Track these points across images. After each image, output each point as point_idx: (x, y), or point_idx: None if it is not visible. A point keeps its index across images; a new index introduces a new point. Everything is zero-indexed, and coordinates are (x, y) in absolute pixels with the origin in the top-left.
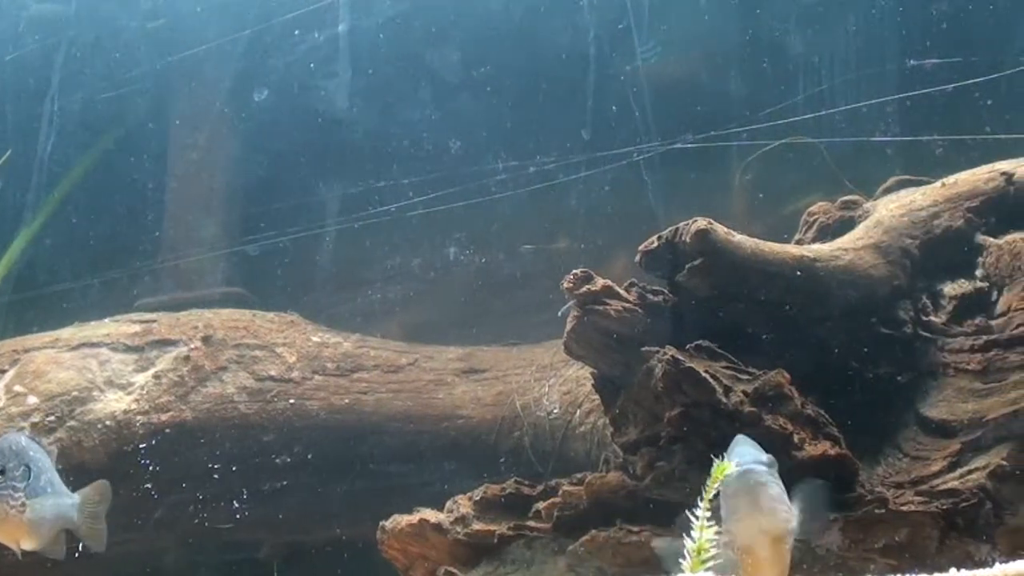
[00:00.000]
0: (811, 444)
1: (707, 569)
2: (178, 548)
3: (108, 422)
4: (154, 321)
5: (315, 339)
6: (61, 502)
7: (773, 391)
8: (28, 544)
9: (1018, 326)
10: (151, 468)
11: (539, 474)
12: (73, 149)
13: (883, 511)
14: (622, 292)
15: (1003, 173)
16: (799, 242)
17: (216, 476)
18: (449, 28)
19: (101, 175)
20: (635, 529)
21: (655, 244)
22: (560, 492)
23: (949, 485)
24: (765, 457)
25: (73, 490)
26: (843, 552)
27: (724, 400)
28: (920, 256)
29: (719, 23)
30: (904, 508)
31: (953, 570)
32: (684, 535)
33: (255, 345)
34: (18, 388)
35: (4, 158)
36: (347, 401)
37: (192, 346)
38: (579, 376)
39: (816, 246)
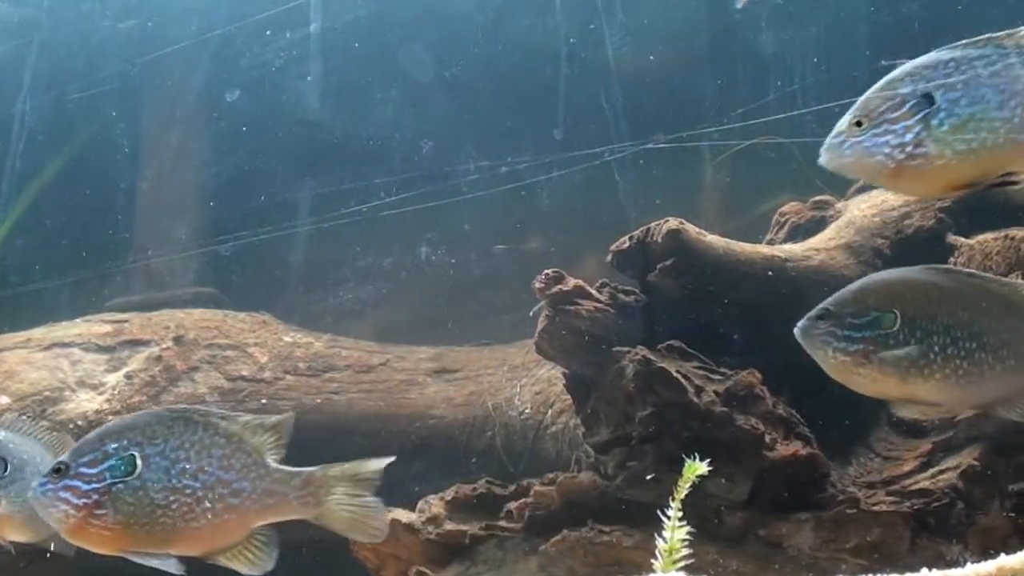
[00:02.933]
0: (782, 444)
1: (679, 569)
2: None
3: (80, 422)
4: (126, 321)
5: (287, 339)
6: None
7: (745, 391)
8: (16, 535)
9: None
10: None
11: (511, 474)
12: (44, 149)
13: (855, 511)
14: (594, 292)
15: None
16: (771, 242)
17: None
18: (420, 27)
19: (73, 175)
20: (606, 529)
21: (627, 244)
22: (532, 492)
23: (921, 485)
24: None
25: None
26: (814, 552)
27: (696, 400)
28: (892, 256)
29: (691, 22)
30: (876, 508)
31: (925, 570)
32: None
33: (227, 345)
34: None
35: None
36: (319, 401)
37: (164, 346)
38: (551, 376)
39: (788, 246)
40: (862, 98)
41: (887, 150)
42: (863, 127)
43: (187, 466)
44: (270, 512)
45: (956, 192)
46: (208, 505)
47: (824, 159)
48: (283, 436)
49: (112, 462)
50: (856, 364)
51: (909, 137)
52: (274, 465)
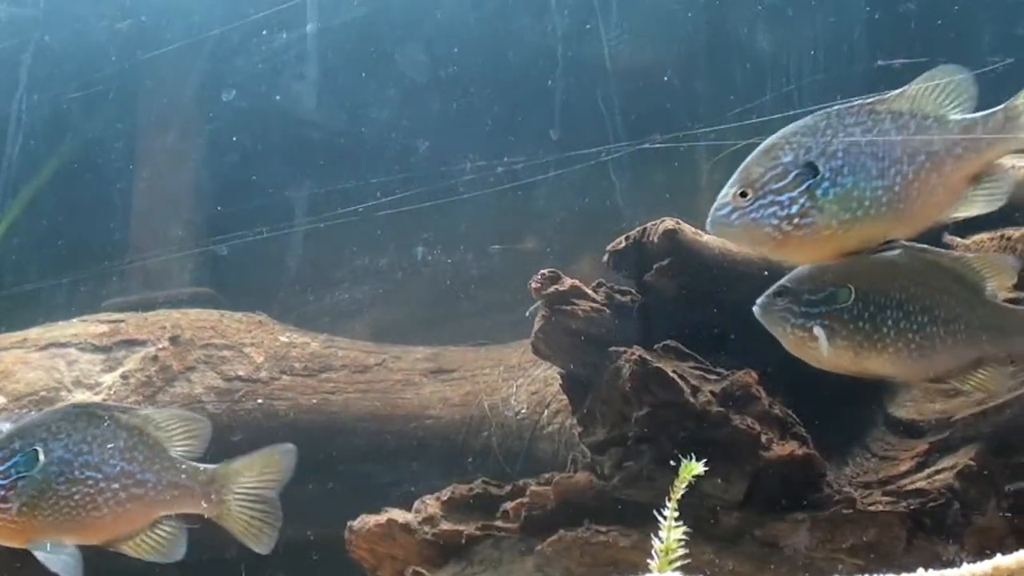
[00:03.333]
0: (778, 444)
1: (675, 569)
2: None
3: None
4: (122, 321)
5: (283, 339)
6: None
7: (741, 391)
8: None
9: None
10: None
11: (507, 474)
12: (41, 149)
13: (851, 511)
14: (590, 292)
15: None
16: None
17: None
18: (417, 27)
19: (69, 175)
20: (603, 529)
21: (623, 244)
22: (528, 492)
23: (917, 485)
24: None
25: None
26: (810, 552)
27: (692, 400)
28: None
29: (688, 23)
30: (872, 508)
31: (921, 570)
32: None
33: (223, 345)
34: None
35: None
36: (315, 401)
37: (160, 346)
38: (547, 376)
39: None
40: (743, 166)
41: (775, 221)
42: (748, 197)
43: (90, 458)
44: (175, 504)
45: (838, 259)
46: (110, 495)
47: (711, 229)
48: (196, 430)
49: (16, 459)
50: (813, 339)
51: (795, 208)
52: (180, 459)
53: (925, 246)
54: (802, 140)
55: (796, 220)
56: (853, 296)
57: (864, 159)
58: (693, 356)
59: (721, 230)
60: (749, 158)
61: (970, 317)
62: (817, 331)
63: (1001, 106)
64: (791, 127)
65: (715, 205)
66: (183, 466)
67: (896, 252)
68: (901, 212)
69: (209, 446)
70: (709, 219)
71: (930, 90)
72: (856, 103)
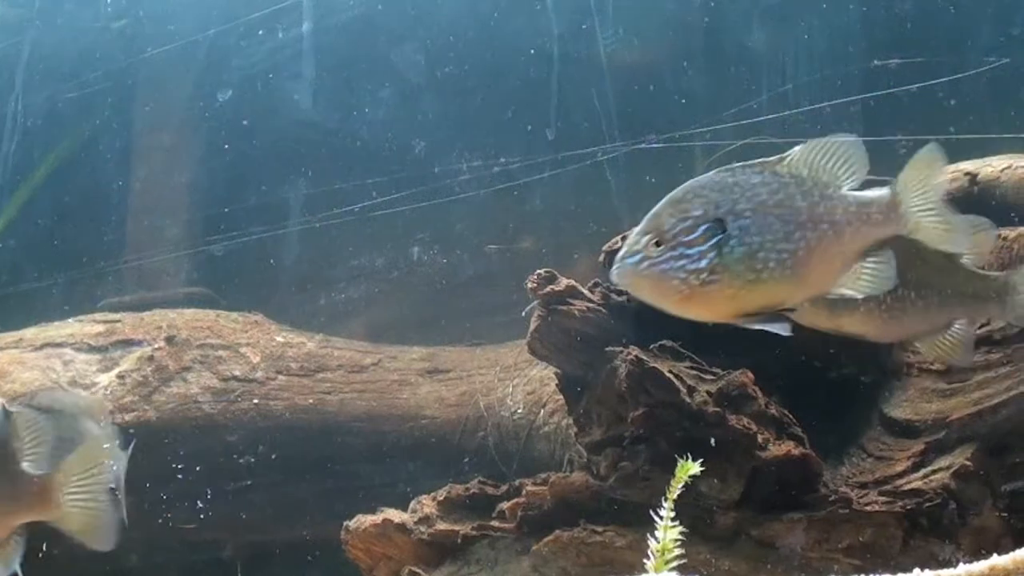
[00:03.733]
0: (775, 444)
1: (671, 569)
2: (141, 548)
3: None
4: (118, 321)
5: (279, 339)
6: None
7: (737, 391)
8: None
9: (982, 326)
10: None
11: (503, 474)
12: (37, 149)
13: (847, 511)
14: (586, 292)
15: (967, 173)
16: None
17: (180, 476)
18: (412, 28)
19: (65, 175)
20: (599, 529)
21: (619, 244)
22: (524, 492)
23: (913, 485)
24: None
25: None
26: (806, 552)
27: (688, 400)
28: None
29: (684, 22)
30: (868, 508)
31: (917, 570)
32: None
33: (219, 345)
34: None
35: None
36: (311, 401)
37: (156, 346)
38: (543, 376)
39: None
40: (652, 215)
41: (683, 275)
42: (660, 248)
43: None
44: (22, 514)
45: (736, 320)
46: None
47: (618, 277)
48: (40, 436)
49: None
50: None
51: (704, 263)
52: (23, 468)
53: None
54: (711, 195)
55: (704, 276)
56: None
57: (771, 220)
58: (689, 356)
59: (627, 279)
60: (657, 207)
61: (944, 283)
62: None
63: (891, 185)
64: (697, 181)
65: (623, 252)
66: (25, 476)
67: None
68: (801, 278)
69: (205, 446)
70: (616, 266)
71: (824, 156)
72: (756, 162)
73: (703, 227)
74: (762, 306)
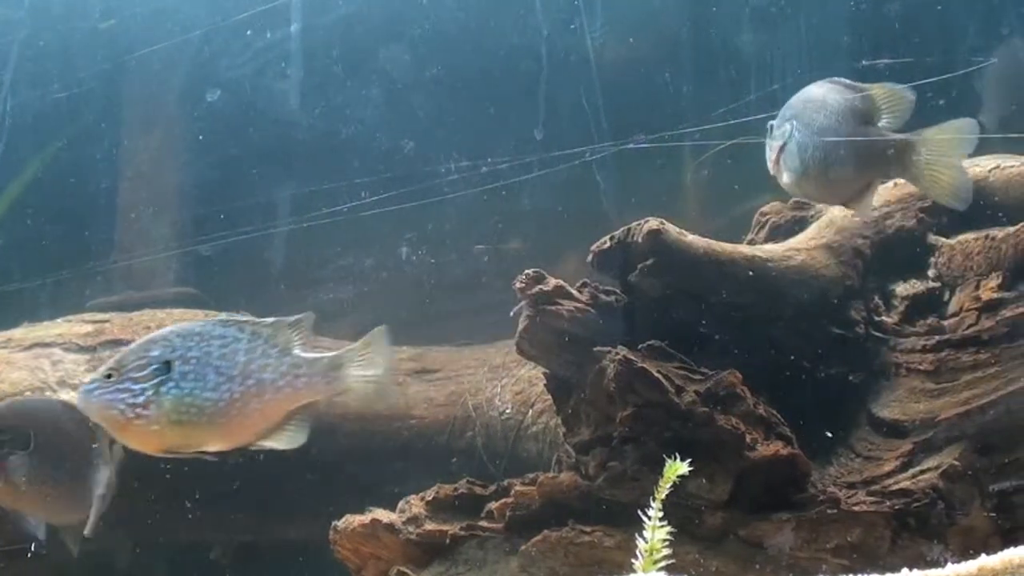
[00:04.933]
0: (763, 444)
1: (660, 569)
2: (129, 548)
3: None
4: (107, 321)
5: None
6: None
7: (725, 391)
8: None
9: (970, 326)
10: None
11: (492, 474)
12: (25, 150)
13: (835, 511)
14: (574, 292)
15: None
16: (751, 242)
17: (168, 476)
18: (401, 27)
19: (53, 175)
20: (587, 529)
21: (607, 244)
22: (512, 492)
23: (901, 485)
24: None
25: None
26: (795, 552)
27: (676, 400)
28: (872, 256)
29: (672, 22)
30: (856, 508)
31: (905, 570)
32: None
33: None
34: None
35: None
36: None
37: None
38: (531, 376)
39: (768, 246)
40: (122, 352)
41: (122, 406)
42: (112, 379)
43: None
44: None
45: (169, 454)
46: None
47: (79, 401)
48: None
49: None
50: None
51: (141, 398)
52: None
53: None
54: (175, 340)
55: (138, 409)
56: None
57: (208, 370)
58: (678, 356)
59: (83, 403)
60: (130, 347)
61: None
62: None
63: (336, 352)
64: (177, 327)
65: (89, 379)
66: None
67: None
68: (223, 427)
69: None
70: (80, 391)
71: (287, 324)
72: (234, 319)
73: (153, 367)
74: (187, 446)
